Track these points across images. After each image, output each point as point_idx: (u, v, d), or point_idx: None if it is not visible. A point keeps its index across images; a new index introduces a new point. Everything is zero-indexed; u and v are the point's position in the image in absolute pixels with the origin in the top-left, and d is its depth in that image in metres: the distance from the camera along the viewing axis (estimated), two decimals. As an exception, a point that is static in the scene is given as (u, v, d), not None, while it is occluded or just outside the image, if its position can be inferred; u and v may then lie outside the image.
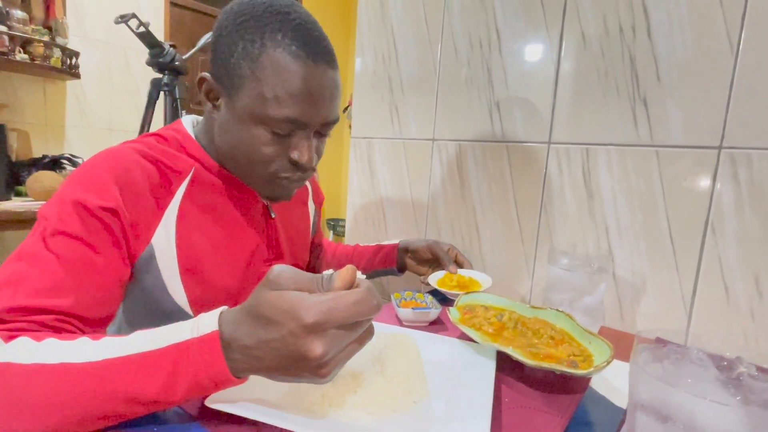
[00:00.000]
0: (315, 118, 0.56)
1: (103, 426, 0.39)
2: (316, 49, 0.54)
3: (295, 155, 0.57)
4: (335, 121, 0.59)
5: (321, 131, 0.60)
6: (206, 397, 0.42)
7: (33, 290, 0.45)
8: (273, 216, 0.70)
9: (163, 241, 0.56)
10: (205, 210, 0.61)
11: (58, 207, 0.49)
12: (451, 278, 0.87)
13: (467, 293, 0.77)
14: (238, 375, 0.38)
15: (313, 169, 0.60)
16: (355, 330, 0.36)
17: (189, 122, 0.66)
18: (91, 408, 0.38)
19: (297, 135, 0.57)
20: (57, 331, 0.45)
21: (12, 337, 0.42)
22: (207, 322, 0.39)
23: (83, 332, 0.47)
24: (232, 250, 0.64)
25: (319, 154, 0.61)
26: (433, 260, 0.92)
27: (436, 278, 0.88)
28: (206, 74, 0.58)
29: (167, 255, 0.56)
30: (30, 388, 0.37)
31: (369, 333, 0.39)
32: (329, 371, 0.36)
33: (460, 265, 0.92)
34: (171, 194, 0.58)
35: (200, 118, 0.68)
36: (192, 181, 0.60)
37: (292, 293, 0.35)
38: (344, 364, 0.38)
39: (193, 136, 0.63)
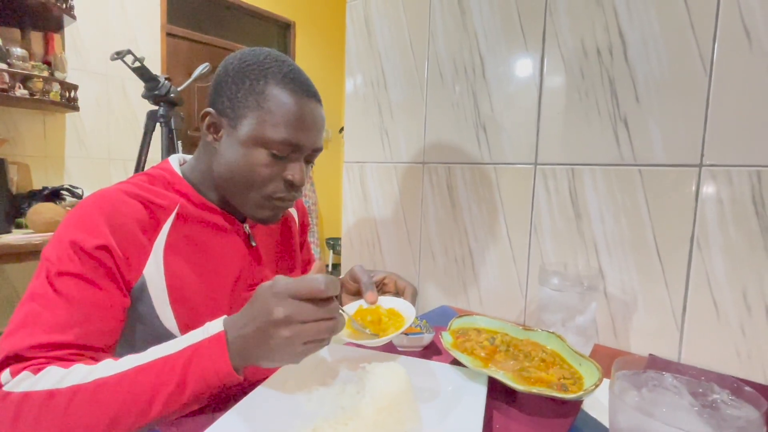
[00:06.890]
0: (307, 143, 0.65)
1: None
2: (307, 88, 0.65)
3: (289, 176, 0.65)
4: (321, 149, 0.69)
5: (309, 159, 0.68)
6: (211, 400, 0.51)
7: (47, 328, 0.51)
8: (254, 245, 0.74)
9: (154, 273, 0.61)
10: (190, 242, 0.66)
11: (57, 249, 0.55)
12: (371, 311, 0.68)
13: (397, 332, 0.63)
14: (236, 364, 0.48)
15: (301, 192, 0.69)
16: (316, 307, 0.46)
17: (176, 161, 0.72)
18: (126, 412, 0.46)
19: (291, 159, 0.65)
20: (74, 362, 0.51)
21: (39, 371, 0.48)
22: (214, 326, 0.50)
23: (97, 360, 0.54)
24: (217, 278, 0.68)
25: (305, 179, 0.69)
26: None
27: (353, 310, 0.69)
28: (210, 109, 0.65)
29: (158, 285, 0.61)
30: (72, 408, 0.45)
31: (334, 319, 0.48)
32: (293, 336, 0.45)
33: (401, 292, 0.75)
34: (159, 229, 0.63)
35: (188, 156, 0.74)
36: (178, 216, 0.65)
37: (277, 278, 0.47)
38: (311, 340, 0.46)
39: (179, 174, 0.69)
